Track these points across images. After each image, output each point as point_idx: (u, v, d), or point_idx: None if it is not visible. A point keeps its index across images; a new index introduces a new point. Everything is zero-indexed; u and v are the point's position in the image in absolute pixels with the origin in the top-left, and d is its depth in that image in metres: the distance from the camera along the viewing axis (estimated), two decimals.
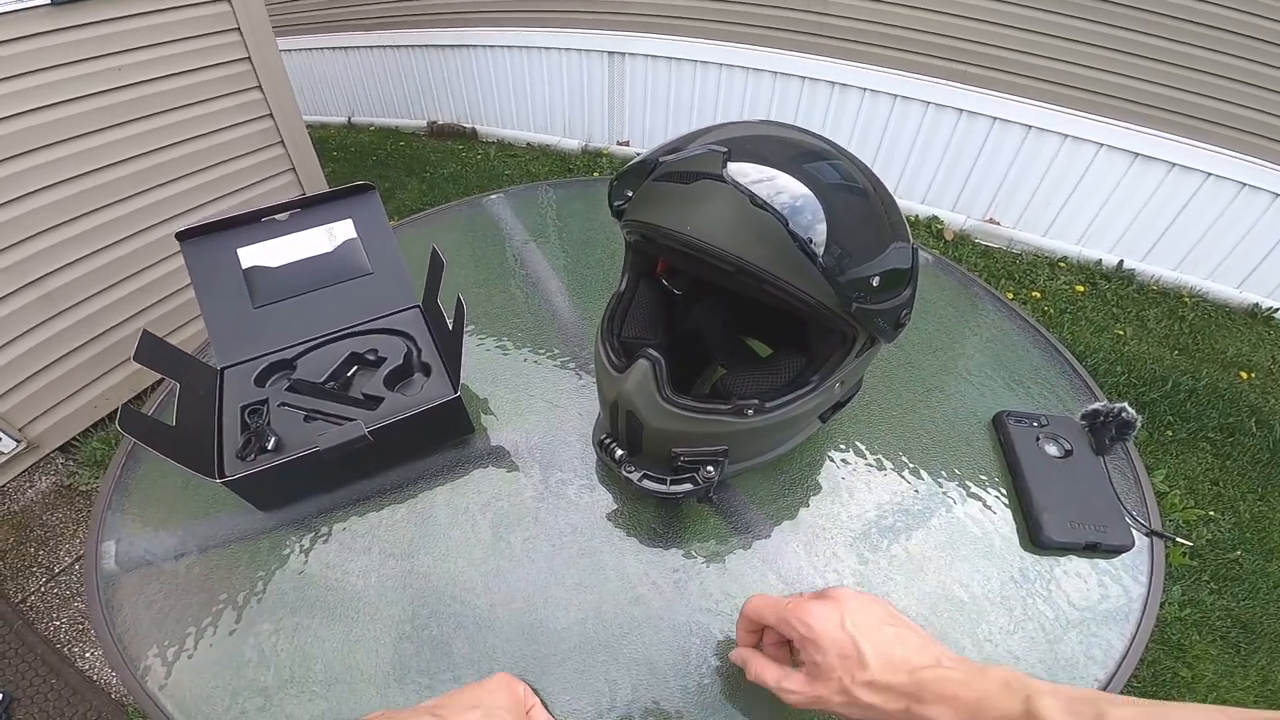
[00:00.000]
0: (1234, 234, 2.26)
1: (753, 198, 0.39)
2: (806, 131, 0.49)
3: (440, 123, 3.66)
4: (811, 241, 0.39)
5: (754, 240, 0.41)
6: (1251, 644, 1.37)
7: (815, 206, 0.40)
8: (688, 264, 0.48)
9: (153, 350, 0.58)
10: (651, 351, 0.47)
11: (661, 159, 0.48)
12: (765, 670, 0.40)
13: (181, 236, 0.66)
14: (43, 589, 1.54)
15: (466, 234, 0.98)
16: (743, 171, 0.41)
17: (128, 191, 1.67)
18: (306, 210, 0.71)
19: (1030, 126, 2.35)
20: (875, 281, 0.43)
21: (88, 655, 1.42)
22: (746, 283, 0.44)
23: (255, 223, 0.69)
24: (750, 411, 0.48)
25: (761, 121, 0.50)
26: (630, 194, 0.51)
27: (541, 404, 0.69)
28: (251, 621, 0.53)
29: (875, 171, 0.48)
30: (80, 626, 1.47)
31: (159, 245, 1.77)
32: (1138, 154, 2.25)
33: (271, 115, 1.94)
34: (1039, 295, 2.38)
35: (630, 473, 0.52)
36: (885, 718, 0.34)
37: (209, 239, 0.68)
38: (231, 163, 1.88)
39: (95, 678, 1.38)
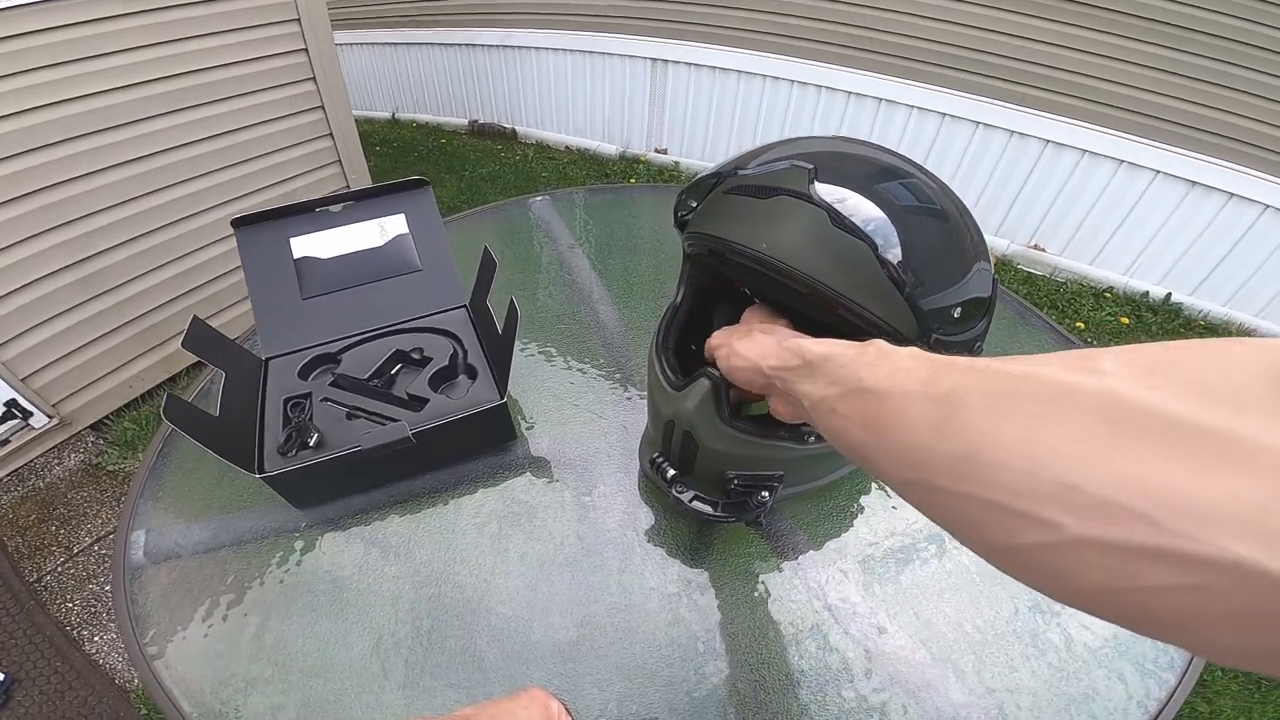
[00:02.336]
0: None
1: (837, 219, 0.37)
2: (885, 149, 0.46)
3: (482, 122, 3.69)
4: (899, 268, 0.37)
5: (835, 263, 0.39)
6: (1272, 681, 1.32)
7: (903, 232, 0.38)
8: (755, 281, 0.46)
9: (201, 338, 0.58)
10: (714, 371, 0.45)
11: (739, 171, 0.46)
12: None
13: (237, 224, 0.66)
14: (59, 569, 1.53)
15: (510, 235, 0.97)
16: (828, 190, 0.39)
17: (180, 177, 1.70)
18: (360, 203, 0.71)
19: (1085, 151, 2.27)
20: (957, 313, 0.41)
21: (96, 639, 1.40)
22: (817, 305, 0.42)
23: (309, 213, 0.69)
24: (812, 439, 0.46)
25: (837, 138, 0.48)
26: (695, 205, 0.49)
27: (586, 414, 0.67)
28: (279, 620, 0.52)
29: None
30: (92, 609, 1.46)
31: (203, 231, 1.79)
32: (1195, 183, 2.16)
33: (323, 107, 1.95)
34: (1082, 326, 2.31)
35: (681, 493, 0.50)
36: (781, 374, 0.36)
37: (263, 226, 0.67)
38: (281, 153, 1.90)
39: (101, 661, 1.36)
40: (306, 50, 1.85)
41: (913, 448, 0.23)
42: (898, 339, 0.41)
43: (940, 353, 0.42)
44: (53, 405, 1.67)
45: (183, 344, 0.57)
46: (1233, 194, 2.12)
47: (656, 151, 3.22)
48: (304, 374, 0.64)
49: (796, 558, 0.56)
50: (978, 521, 0.20)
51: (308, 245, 0.69)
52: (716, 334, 0.46)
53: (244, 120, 1.78)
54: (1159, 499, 0.15)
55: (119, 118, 1.53)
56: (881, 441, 0.25)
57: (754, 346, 0.40)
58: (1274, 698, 1.30)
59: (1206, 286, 2.34)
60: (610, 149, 3.34)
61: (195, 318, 0.60)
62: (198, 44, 1.62)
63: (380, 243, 0.70)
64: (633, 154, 3.28)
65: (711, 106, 2.94)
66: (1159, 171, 2.19)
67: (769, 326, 0.45)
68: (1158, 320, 2.34)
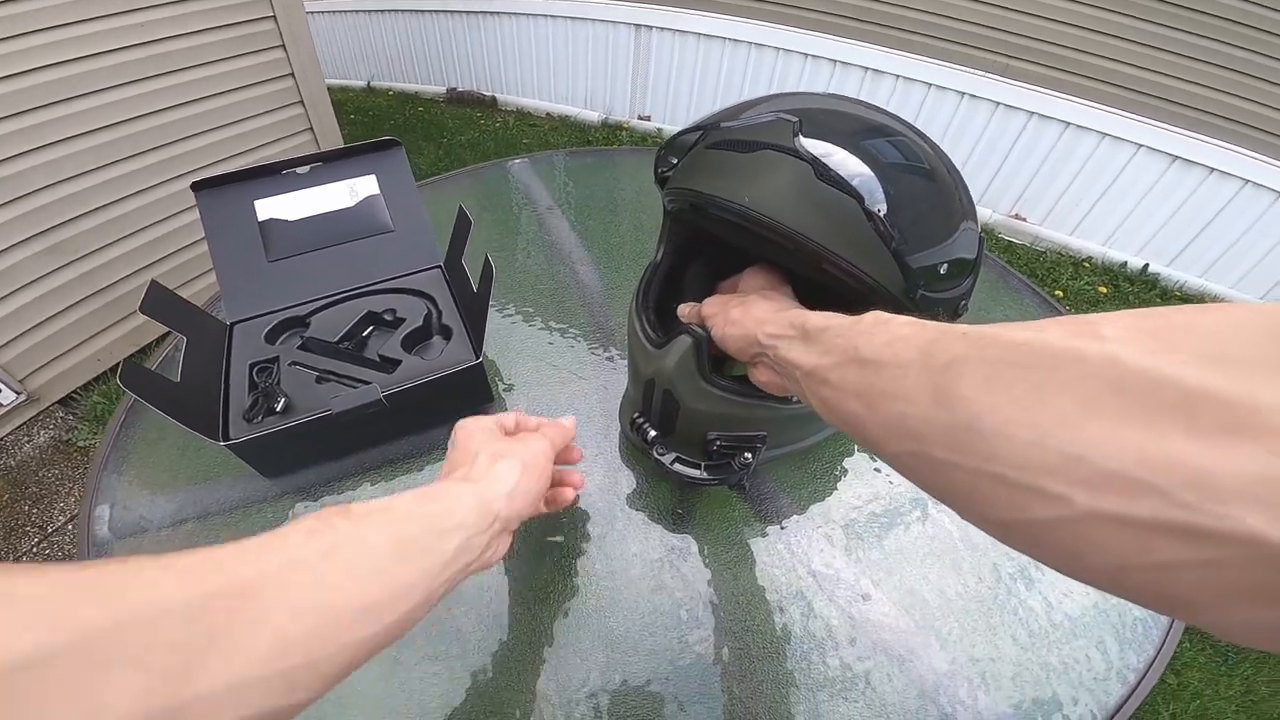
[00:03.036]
0: (1267, 243, 2.19)
1: (822, 172, 0.36)
2: (876, 107, 0.45)
3: (460, 89, 3.59)
4: (886, 221, 0.36)
5: (820, 217, 0.38)
6: (1239, 653, 1.36)
7: (890, 185, 0.37)
8: (740, 238, 0.45)
9: (160, 301, 0.55)
10: (695, 328, 0.43)
11: (722, 125, 0.44)
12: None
13: (197, 187, 0.63)
14: (35, 549, 1.50)
15: (487, 197, 0.94)
16: (813, 144, 0.37)
17: (145, 146, 1.64)
18: (329, 164, 0.68)
19: (1069, 123, 2.27)
20: (944, 269, 0.40)
21: None
22: (801, 260, 0.41)
23: (274, 175, 0.66)
24: (795, 398, 0.45)
25: (826, 94, 0.47)
26: (676, 161, 0.47)
27: (565, 375, 0.66)
28: None
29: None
30: None
31: (171, 200, 1.74)
32: (1178, 157, 2.17)
33: (293, 75, 1.90)
34: (1061, 294, 2.33)
35: (662, 455, 0.49)
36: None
37: (225, 189, 0.65)
38: (250, 120, 1.84)
39: None
40: (275, 17, 1.78)
41: (909, 419, 0.22)
42: (883, 295, 0.40)
43: (926, 310, 0.41)
44: (20, 380, 1.62)
45: (140, 308, 0.54)
46: (1214, 169, 2.14)
47: (640, 118, 3.16)
48: (271, 338, 0.62)
49: (780, 522, 0.55)
50: (980, 495, 0.20)
51: (273, 208, 0.66)
52: (711, 301, 0.45)
53: (212, 88, 1.72)
54: (1172, 471, 0.14)
55: (82, 87, 1.48)
56: (876, 412, 0.25)
57: (750, 314, 0.39)
58: (1240, 671, 1.33)
59: (1184, 258, 2.36)
60: (593, 116, 3.27)
61: (153, 281, 0.57)
62: (161, 12, 1.56)
63: (350, 204, 0.68)
64: (615, 121, 3.21)
65: (695, 74, 2.89)
66: (1142, 145, 2.20)
67: (769, 294, 0.44)
68: (1135, 290, 2.37)
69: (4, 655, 0.15)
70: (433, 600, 0.29)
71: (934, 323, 0.25)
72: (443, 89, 3.68)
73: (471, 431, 0.39)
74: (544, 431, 0.41)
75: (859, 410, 0.26)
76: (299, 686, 0.22)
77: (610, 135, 3.16)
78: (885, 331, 0.26)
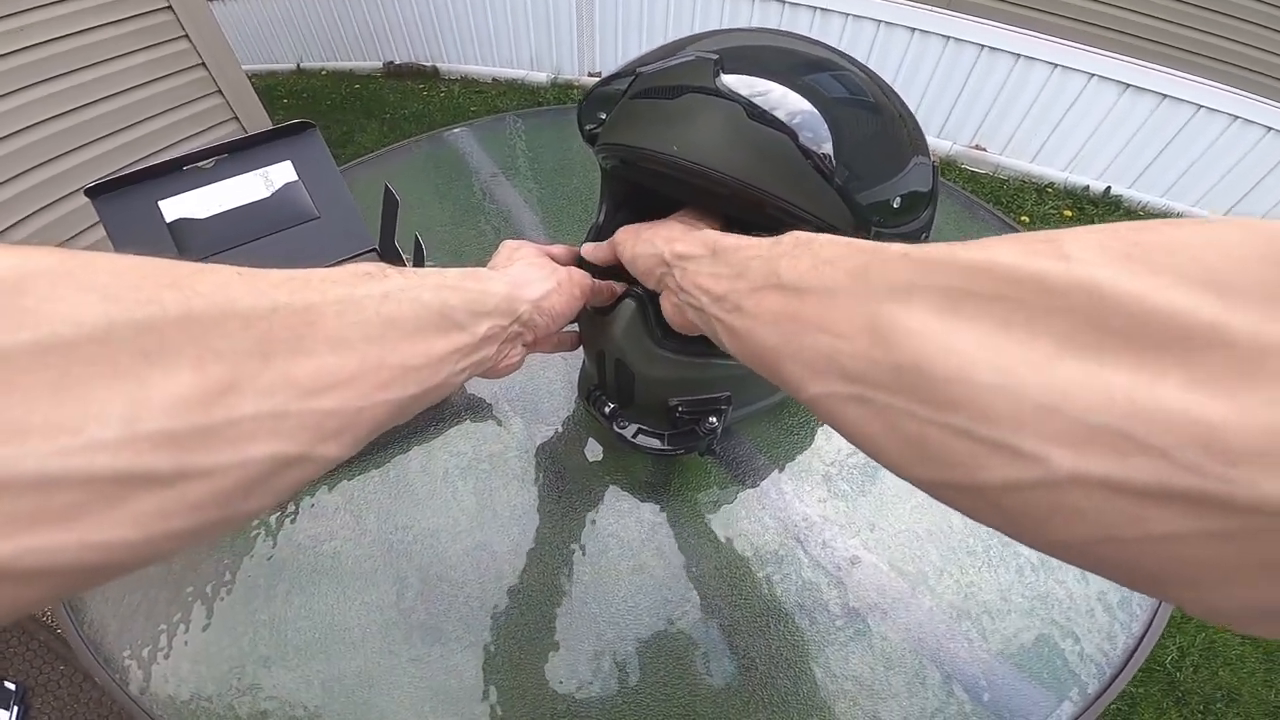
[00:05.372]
0: (1223, 164, 2.22)
1: (753, 110, 0.33)
2: (810, 40, 0.41)
3: (398, 63, 3.43)
4: (825, 158, 0.33)
5: (754, 159, 0.35)
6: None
7: (826, 119, 0.34)
8: (676, 189, 0.42)
9: None
10: (637, 290, 0.40)
11: (641, 70, 0.40)
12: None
13: (92, 192, 0.57)
14: None
15: (428, 171, 0.89)
16: (739, 83, 0.34)
17: (42, 157, 1.52)
18: (236, 155, 0.62)
19: (1019, 55, 2.25)
20: (896, 203, 0.38)
21: None
22: (745, 205, 0.38)
23: (176, 172, 0.60)
24: None
25: (758, 30, 0.43)
26: (604, 115, 0.44)
27: None
28: (223, 614, 0.47)
29: None
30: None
31: (84, 212, 1.63)
32: (1129, 85, 2.18)
33: (204, 65, 1.80)
34: (1026, 220, 2.34)
35: (623, 428, 0.46)
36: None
37: (125, 193, 0.59)
38: (161, 117, 1.74)
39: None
40: (172, 8, 1.67)
41: (840, 355, 0.19)
42: (837, 234, 0.38)
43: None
44: None
45: None
46: (1166, 95, 2.17)
47: (590, 75, 3.06)
48: None
49: (758, 484, 0.53)
50: (930, 450, 0.16)
51: (180, 206, 0.60)
52: (625, 227, 0.41)
53: (109, 88, 1.61)
54: (1172, 426, 0.11)
55: None
56: (800, 346, 0.21)
57: (662, 232, 0.36)
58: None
59: (1145, 180, 2.40)
60: (541, 77, 3.15)
61: None
62: (39, 14, 1.44)
63: (266, 194, 0.62)
64: (565, 80, 3.11)
65: (643, 22, 2.78)
66: (1093, 74, 2.21)
67: (692, 223, 0.40)
68: (1099, 212, 2.39)
69: (59, 323, 0.14)
70: (449, 386, 0.26)
71: (867, 241, 0.21)
72: (379, 64, 3.51)
73: (517, 247, 0.40)
74: (585, 271, 0.41)
75: (776, 343, 0.22)
76: (326, 436, 0.19)
77: (561, 95, 3.05)
78: (808, 253, 0.22)
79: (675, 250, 0.32)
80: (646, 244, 0.36)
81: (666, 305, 0.35)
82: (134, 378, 0.14)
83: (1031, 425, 0.14)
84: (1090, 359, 0.13)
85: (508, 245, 0.40)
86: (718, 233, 0.31)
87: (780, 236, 0.25)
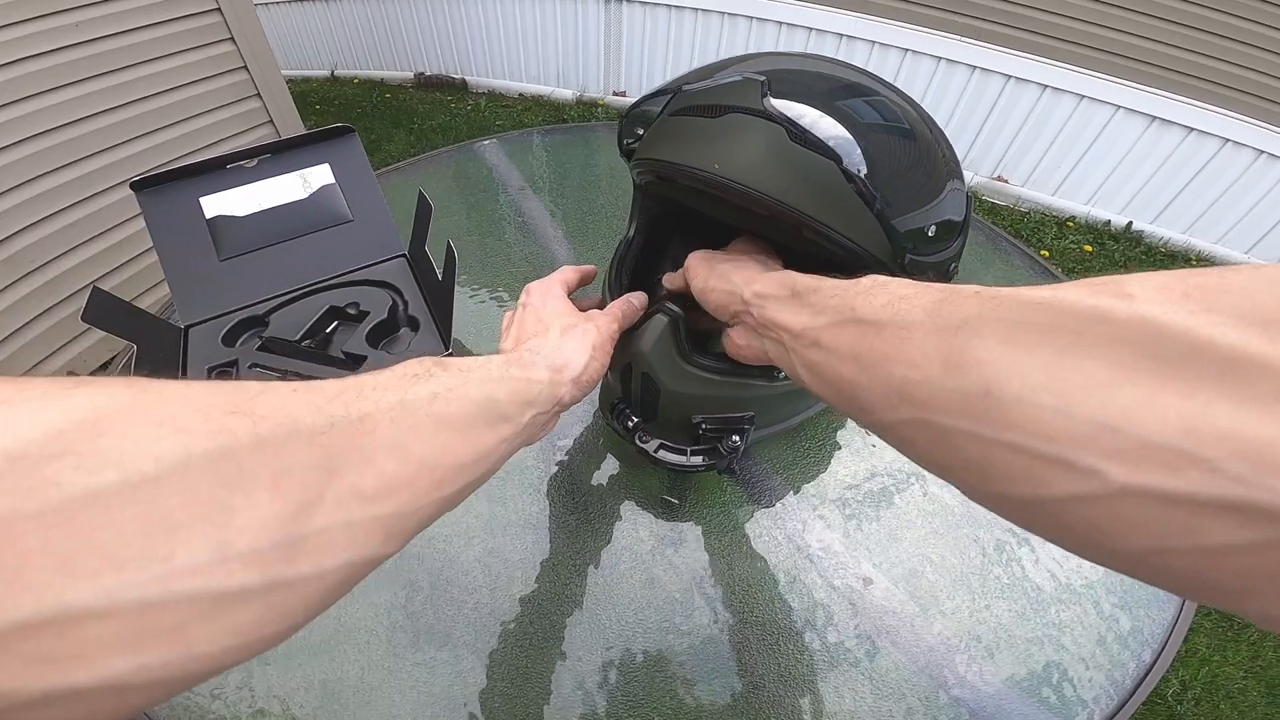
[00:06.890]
0: (1248, 200, 2.20)
1: (796, 133, 0.34)
2: (852, 66, 0.42)
3: (428, 74, 3.50)
4: (867, 183, 0.33)
5: (796, 181, 0.35)
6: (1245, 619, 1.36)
7: (870, 145, 0.35)
8: (713, 207, 0.42)
9: (104, 309, 0.52)
10: (671, 306, 0.41)
11: (684, 88, 0.41)
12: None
13: (137, 186, 0.60)
14: None
15: (457, 181, 0.91)
16: (785, 105, 0.35)
17: (90, 149, 1.57)
18: (277, 156, 0.64)
19: (1046, 86, 2.25)
20: (931, 231, 0.38)
21: None
22: (781, 229, 0.38)
23: (219, 170, 0.62)
24: (782, 374, 0.42)
25: (800, 54, 0.44)
26: (642, 131, 0.44)
27: None
28: None
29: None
30: None
31: (125, 204, 1.67)
32: (1156, 117, 2.17)
33: (246, 68, 1.83)
34: (1046, 254, 2.32)
35: (645, 443, 0.46)
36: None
37: (168, 188, 0.61)
38: (202, 117, 1.78)
39: None
40: (220, 9, 1.72)
41: (913, 384, 0.20)
42: (869, 262, 0.38)
43: (915, 275, 0.39)
44: None
45: (82, 317, 0.50)
46: (1193, 128, 2.14)
47: (615, 94, 3.10)
48: (229, 340, 0.59)
49: (774, 504, 0.53)
50: (996, 468, 0.18)
51: (220, 204, 0.62)
52: (696, 254, 0.42)
53: (156, 86, 1.65)
54: (1222, 442, 0.12)
55: (12, 94, 1.40)
56: (874, 377, 0.22)
57: (739, 271, 0.37)
58: (1247, 635, 1.33)
59: (1166, 216, 2.37)
60: (566, 94, 3.20)
61: (95, 288, 0.53)
62: (96, 11, 1.49)
63: (304, 195, 0.64)
64: (590, 98, 3.15)
65: (669, 46, 2.82)
66: (1120, 106, 2.20)
67: (762, 258, 0.41)
68: (1120, 248, 2.37)
69: (141, 460, 0.14)
70: (495, 470, 0.28)
71: (938, 283, 0.23)
72: (410, 74, 3.58)
73: (546, 297, 0.38)
74: (613, 313, 0.40)
75: (852, 375, 0.24)
76: (391, 537, 0.20)
77: (585, 113, 3.09)
78: (885, 292, 0.24)
79: (755, 290, 0.33)
80: (721, 279, 0.37)
81: (739, 339, 0.36)
82: (216, 504, 0.15)
83: (1089, 443, 0.15)
84: (1146, 385, 0.14)
85: (535, 292, 0.39)
86: (795, 273, 0.32)
87: (858, 278, 0.27)
